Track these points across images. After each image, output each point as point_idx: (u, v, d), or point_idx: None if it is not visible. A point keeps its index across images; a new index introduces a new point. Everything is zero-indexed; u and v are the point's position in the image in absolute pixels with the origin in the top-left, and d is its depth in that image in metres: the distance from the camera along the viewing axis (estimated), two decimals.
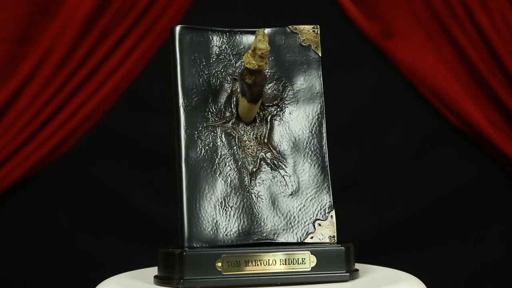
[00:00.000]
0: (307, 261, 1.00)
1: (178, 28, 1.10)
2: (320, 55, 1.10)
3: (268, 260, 1.00)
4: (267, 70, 1.07)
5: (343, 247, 1.01)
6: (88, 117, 1.92)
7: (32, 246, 1.95)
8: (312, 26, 1.11)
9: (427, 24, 1.94)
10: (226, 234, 1.02)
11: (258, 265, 0.99)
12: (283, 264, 1.00)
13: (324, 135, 1.07)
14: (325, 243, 1.03)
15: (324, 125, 1.08)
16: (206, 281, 0.98)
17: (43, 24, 1.88)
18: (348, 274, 1.01)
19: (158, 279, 1.03)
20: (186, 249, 1.00)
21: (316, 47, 1.11)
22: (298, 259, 1.00)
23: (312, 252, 1.00)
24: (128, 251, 1.94)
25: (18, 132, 1.88)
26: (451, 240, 1.98)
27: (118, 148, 1.98)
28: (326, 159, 1.06)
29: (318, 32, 1.11)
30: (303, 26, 1.11)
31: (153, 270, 1.14)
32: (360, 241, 1.94)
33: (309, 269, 1.00)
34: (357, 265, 1.14)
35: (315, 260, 1.00)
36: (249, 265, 0.99)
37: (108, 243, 1.96)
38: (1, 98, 1.87)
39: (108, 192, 1.97)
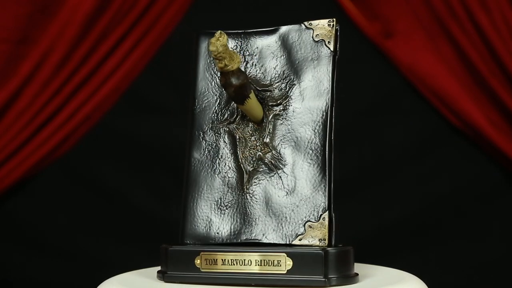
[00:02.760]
0: (283, 263, 0.98)
1: (198, 34, 1.12)
2: (332, 49, 1.06)
3: (244, 260, 1.00)
4: (277, 69, 1.06)
5: (321, 251, 0.96)
6: (88, 117, 1.92)
7: (32, 246, 1.95)
8: (328, 20, 1.08)
9: (427, 24, 1.94)
10: (217, 233, 1.04)
11: (234, 264, 1.00)
12: (258, 265, 0.99)
13: (327, 134, 1.03)
14: (311, 245, 0.98)
15: (329, 123, 1.03)
16: (185, 276, 1.02)
17: (43, 24, 1.88)
18: (324, 279, 0.96)
19: (157, 273, 1.07)
20: (171, 245, 1.04)
21: (329, 42, 1.07)
22: (273, 261, 0.98)
23: (288, 255, 0.98)
24: (128, 251, 1.94)
25: (18, 132, 1.88)
26: (451, 240, 1.98)
27: (118, 148, 1.98)
28: (327, 159, 1.01)
29: (334, 25, 1.07)
30: (319, 20, 1.08)
31: (154, 270, 1.15)
32: (361, 241, 1.95)
33: (285, 272, 0.98)
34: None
35: (291, 263, 0.98)
36: (226, 264, 1.00)
37: (108, 243, 1.96)
38: (1, 98, 1.87)
39: (108, 192, 1.97)
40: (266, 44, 1.08)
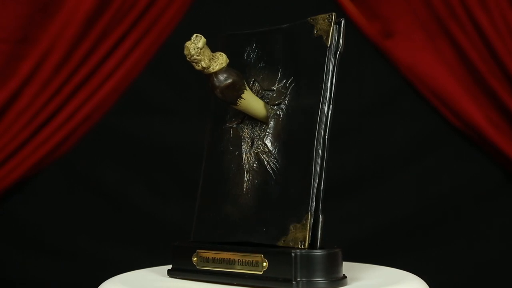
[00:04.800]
0: (260, 264, 0.98)
1: (222, 36, 1.12)
2: (328, 45, 1.01)
3: (229, 259, 1.01)
4: (280, 68, 1.05)
5: (292, 253, 0.95)
6: (89, 117, 1.92)
7: (32, 246, 1.95)
8: (327, 15, 1.03)
9: (427, 24, 1.94)
10: (218, 231, 1.05)
11: (221, 263, 1.02)
12: (240, 265, 1.00)
13: (317, 133, 0.98)
14: (290, 247, 0.96)
15: (320, 122, 0.98)
16: (184, 272, 1.06)
17: (43, 24, 1.88)
18: (293, 282, 0.94)
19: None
20: (175, 242, 1.08)
21: (326, 37, 1.01)
22: (252, 261, 0.99)
23: (265, 256, 0.97)
24: (129, 250, 1.94)
25: (18, 132, 1.88)
26: (452, 240, 1.98)
27: (118, 148, 1.98)
28: (313, 160, 0.97)
29: (333, 20, 1.01)
30: (320, 15, 1.03)
31: (155, 270, 1.15)
32: (361, 241, 1.96)
33: (261, 273, 0.98)
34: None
35: (267, 264, 0.97)
36: (216, 262, 1.03)
37: (109, 243, 1.96)
38: (1, 98, 1.87)
39: (108, 192, 1.97)
40: (274, 43, 1.07)
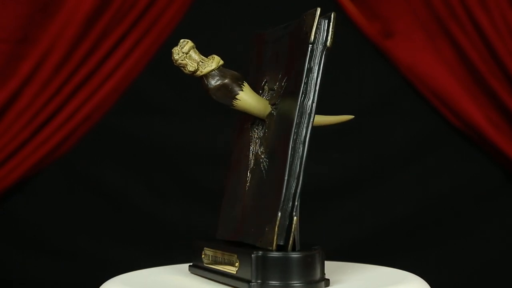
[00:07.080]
0: (234, 264, 0.99)
1: (253, 36, 1.13)
2: (310, 41, 0.97)
3: (220, 258, 1.04)
4: (280, 67, 1.05)
5: (255, 254, 0.93)
6: (89, 117, 1.92)
7: (32, 246, 1.95)
8: (314, 10, 0.98)
9: (427, 24, 1.94)
10: (225, 231, 1.07)
11: (216, 261, 1.05)
12: (224, 264, 1.02)
13: (293, 134, 0.96)
14: (260, 249, 0.95)
15: (293, 123, 0.96)
16: (196, 268, 1.10)
17: (43, 24, 1.88)
18: (251, 284, 0.93)
19: None
20: (194, 240, 1.12)
21: (309, 34, 0.97)
22: (230, 260, 1.00)
23: (237, 256, 0.98)
24: (128, 251, 1.94)
25: (18, 132, 1.88)
26: (451, 240, 1.98)
27: (118, 148, 1.98)
28: (287, 160, 0.95)
29: (316, 15, 0.97)
30: (310, 11, 0.99)
31: (155, 270, 1.15)
32: (361, 241, 1.96)
33: (235, 272, 0.99)
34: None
35: (238, 264, 0.98)
36: (213, 260, 1.05)
37: (109, 243, 1.96)
38: (1, 98, 1.87)
39: (108, 192, 1.97)
40: (280, 41, 1.06)
